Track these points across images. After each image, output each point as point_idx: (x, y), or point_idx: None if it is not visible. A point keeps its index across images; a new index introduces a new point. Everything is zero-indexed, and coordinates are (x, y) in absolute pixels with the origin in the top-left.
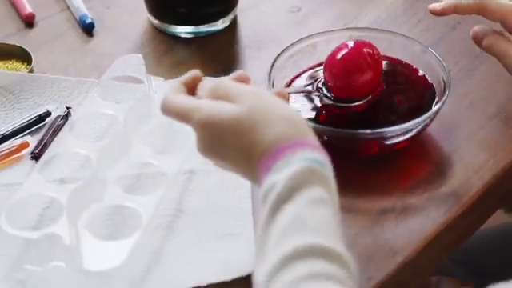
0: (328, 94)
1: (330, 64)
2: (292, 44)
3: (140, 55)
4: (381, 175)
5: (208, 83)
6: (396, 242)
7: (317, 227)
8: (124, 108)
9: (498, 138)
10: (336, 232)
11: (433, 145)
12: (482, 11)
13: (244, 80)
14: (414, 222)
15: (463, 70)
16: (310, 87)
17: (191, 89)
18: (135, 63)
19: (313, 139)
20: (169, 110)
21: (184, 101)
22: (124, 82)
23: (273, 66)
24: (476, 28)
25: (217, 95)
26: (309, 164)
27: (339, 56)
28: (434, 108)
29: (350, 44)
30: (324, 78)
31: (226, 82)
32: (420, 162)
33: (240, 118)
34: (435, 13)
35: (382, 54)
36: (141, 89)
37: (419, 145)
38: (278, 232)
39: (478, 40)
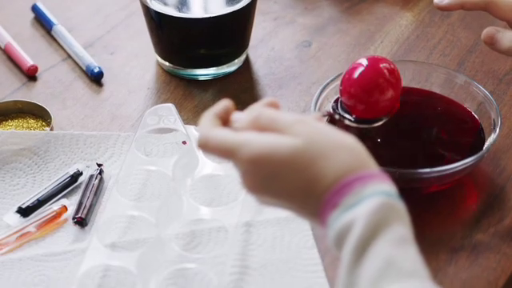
0: (348, 116)
1: (347, 84)
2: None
3: (171, 104)
4: (440, 213)
5: (244, 114)
6: (475, 283)
7: (412, 269)
8: (168, 162)
9: None
10: (426, 270)
11: (484, 177)
12: (489, 8)
13: (275, 107)
14: (489, 259)
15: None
16: (331, 109)
17: (225, 122)
18: (167, 113)
19: (377, 170)
20: (210, 147)
21: (227, 135)
22: (160, 133)
23: (318, 98)
24: (489, 30)
25: (261, 126)
26: (384, 198)
27: (356, 75)
28: (490, 141)
29: (365, 62)
30: (341, 99)
31: (267, 111)
32: (476, 197)
33: (298, 152)
34: (440, 8)
35: (417, 86)
36: (178, 139)
37: (472, 179)
38: (370, 279)
39: (492, 41)
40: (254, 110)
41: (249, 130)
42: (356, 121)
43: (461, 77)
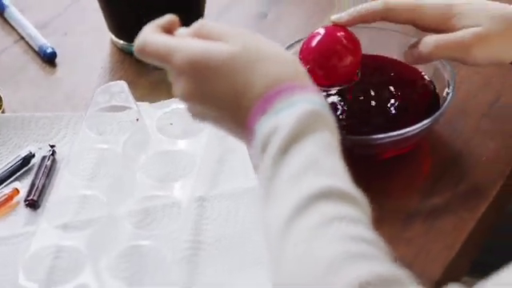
0: None
1: (306, 52)
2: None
3: (122, 82)
4: (395, 179)
5: (187, 29)
6: (431, 247)
7: (333, 171)
8: (118, 140)
9: (502, 124)
10: (349, 179)
11: (441, 141)
12: (388, 15)
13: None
14: (445, 223)
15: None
16: None
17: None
18: (118, 90)
19: (311, 83)
20: (147, 51)
21: (165, 39)
22: (111, 112)
23: None
24: (406, 51)
25: (202, 36)
26: (313, 106)
27: (314, 43)
28: (446, 103)
29: (322, 30)
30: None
31: (210, 23)
32: (432, 162)
33: (233, 57)
34: (340, 24)
35: (373, 52)
36: (129, 116)
37: (427, 143)
38: (290, 173)
39: (415, 54)
40: (198, 23)
41: (189, 38)
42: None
43: (406, 38)
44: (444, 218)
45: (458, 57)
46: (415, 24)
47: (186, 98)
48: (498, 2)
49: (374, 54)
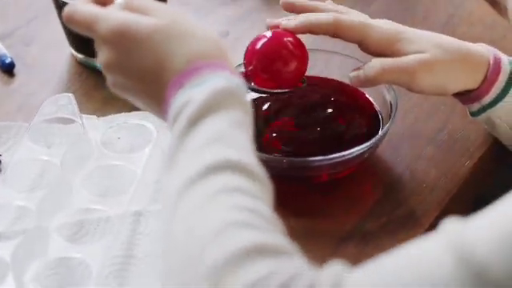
0: (250, 85)
1: (250, 54)
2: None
3: (70, 94)
4: (334, 202)
5: (118, 2)
6: None
7: (239, 147)
8: (59, 152)
9: (446, 152)
10: (255, 158)
11: (383, 166)
12: (338, 32)
13: None
14: (377, 249)
15: None
16: None
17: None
18: (66, 103)
19: (232, 65)
20: (74, 18)
21: (94, 8)
22: (56, 123)
23: None
24: (352, 73)
25: (130, 10)
26: (228, 84)
27: (259, 45)
28: (385, 128)
29: (269, 34)
30: (245, 69)
31: None
32: (372, 185)
33: (158, 30)
34: (288, 30)
35: (319, 75)
36: (74, 129)
37: (370, 167)
38: (196, 145)
39: (360, 79)
40: None
41: (117, 9)
42: (255, 89)
43: (358, 64)
44: (377, 243)
45: (402, 82)
46: (361, 43)
47: (108, 68)
48: (444, 35)
49: (318, 75)
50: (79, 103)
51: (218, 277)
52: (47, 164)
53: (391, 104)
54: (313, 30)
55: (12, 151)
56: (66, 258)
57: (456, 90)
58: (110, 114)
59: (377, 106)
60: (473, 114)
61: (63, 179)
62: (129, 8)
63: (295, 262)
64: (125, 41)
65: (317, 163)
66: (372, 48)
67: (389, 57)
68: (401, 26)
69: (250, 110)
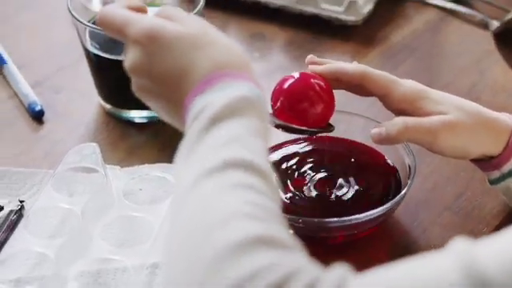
0: (276, 121)
1: (278, 92)
2: None
3: (95, 144)
4: (348, 263)
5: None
6: None
7: (254, 150)
8: (81, 201)
9: (463, 219)
10: (268, 162)
11: (400, 229)
12: (365, 81)
13: None
14: None
15: (423, 150)
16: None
17: None
18: (90, 152)
19: (254, 76)
20: (106, 20)
21: (127, 12)
22: (79, 173)
23: None
24: (373, 130)
25: (162, 17)
26: (248, 93)
27: (286, 85)
28: (402, 193)
29: (297, 74)
30: (272, 107)
31: (172, 8)
32: (388, 249)
33: (184, 37)
34: (315, 73)
35: (341, 136)
36: (97, 179)
37: (386, 230)
38: (215, 142)
39: (382, 137)
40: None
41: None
42: (282, 125)
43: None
44: None
45: (424, 141)
46: (385, 97)
47: (134, 69)
48: (467, 100)
49: (340, 136)
50: (104, 152)
51: (221, 262)
52: (68, 212)
53: (410, 168)
54: (340, 74)
55: (36, 198)
56: None
57: (477, 154)
58: (134, 164)
59: (396, 170)
60: (492, 183)
61: (83, 228)
62: (161, 16)
63: (299, 258)
64: (152, 44)
65: (333, 224)
66: (395, 103)
67: (410, 115)
68: (426, 86)
69: (265, 118)
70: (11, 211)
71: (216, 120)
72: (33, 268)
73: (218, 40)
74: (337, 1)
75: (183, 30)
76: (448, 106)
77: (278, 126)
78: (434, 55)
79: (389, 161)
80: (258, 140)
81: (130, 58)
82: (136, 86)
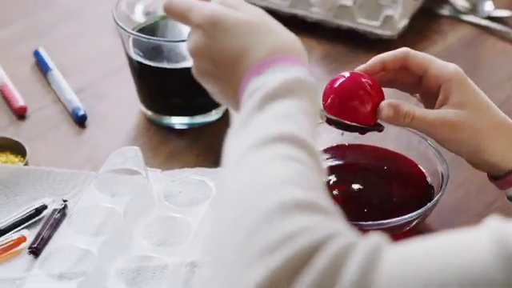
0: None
1: (329, 91)
2: None
3: (137, 147)
4: None
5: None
6: None
7: (304, 128)
8: (123, 201)
9: None
10: (316, 140)
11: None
12: (406, 61)
13: None
14: None
15: (457, 158)
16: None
17: None
18: (132, 155)
19: (307, 64)
20: (171, 7)
21: (189, 0)
22: (122, 174)
23: None
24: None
25: (224, 5)
26: (305, 78)
27: (337, 84)
28: (435, 198)
29: (347, 74)
30: (323, 106)
31: None
32: None
33: (244, 23)
34: (364, 71)
35: (375, 145)
36: (139, 181)
37: (418, 235)
38: (268, 117)
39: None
40: None
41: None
42: (332, 120)
43: (413, 135)
44: None
45: (426, 133)
46: (425, 74)
47: (195, 52)
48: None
49: (374, 144)
50: (145, 157)
51: (264, 222)
52: (111, 211)
53: (443, 176)
54: (384, 59)
55: (78, 198)
56: None
57: (491, 159)
58: (173, 168)
59: (429, 178)
60: (510, 199)
61: (125, 227)
62: (223, 4)
63: (339, 224)
64: (213, 29)
65: (366, 228)
66: (432, 80)
67: (441, 95)
68: (467, 77)
69: (317, 101)
70: (55, 210)
71: (269, 98)
72: (76, 263)
73: (275, 28)
74: (373, 15)
75: (242, 16)
76: (466, 102)
77: (329, 121)
78: (467, 71)
79: (422, 169)
80: (308, 120)
81: (192, 42)
82: (196, 69)
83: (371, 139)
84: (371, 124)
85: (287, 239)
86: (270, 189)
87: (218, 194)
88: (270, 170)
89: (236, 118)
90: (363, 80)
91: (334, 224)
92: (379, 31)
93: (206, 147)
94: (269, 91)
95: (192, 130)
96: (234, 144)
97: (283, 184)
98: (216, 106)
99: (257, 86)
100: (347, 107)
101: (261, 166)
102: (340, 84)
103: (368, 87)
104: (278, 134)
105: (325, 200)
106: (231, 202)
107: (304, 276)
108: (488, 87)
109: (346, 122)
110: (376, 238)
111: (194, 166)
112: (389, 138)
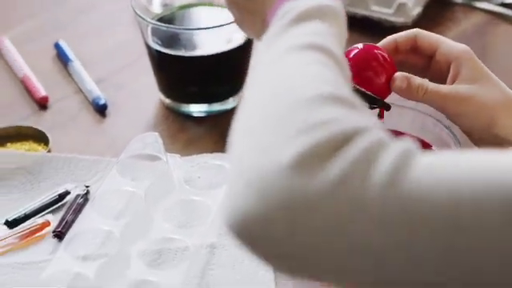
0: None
1: None
2: None
3: (156, 133)
4: None
5: None
6: None
7: (332, 44)
8: (144, 185)
9: None
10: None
11: None
12: (418, 39)
13: None
14: None
15: (469, 143)
16: None
17: None
18: (152, 141)
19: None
20: None
21: None
22: (142, 159)
23: None
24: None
25: None
26: (336, 6)
27: (351, 55)
28: None
29: (360, 45)
30: None
31: None
32: None
33: None
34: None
35: (390, 128)
36: (159, 166)
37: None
38: (299, 32)
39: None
40: None
41: None
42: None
43: (430, 119)
44: None
45: (439, 108)
46: (436, 52)
47: None
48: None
49: (389, 128)
50: (164, 144)
51: (297, 108)
52: (132, 195)
53: None
54: (395, 39)
55: (100, 184)
56: (145, 280)
57: (501, 134)
58: (192, 154)
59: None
60: None
61: (146, 210)
62: None
63: (371, 121)
64: None
65: None
66: (443, 57)
67: (451, 71)
68: (477, 58)
69: (345, 35)
70: (78, 195)
71: (300, 19)
72: (99, 246)
73: None
74: (387, 3)
75: None
76: (476, 77)
77: None
78: (481, 56)
79: (436, 151)
80: (335, 40)
81: None
82: (229, 2)
83: (386, 122)
84: (385, 96)
85: (321, 125)
86: (304, 83)
87: (248, 84)
88: (304, 69)
89: (264, 36)
90: (377, 51)
91: (368, 120)
92: (393, 18)
93: (223, 134)
94: (300, 12)
95: (210, 117)
96: (263, 54)
97: (317, 81)
98: (233, 93)
99: (289, 8)
100: (362, 77)
101: (293, 65)
102: (355, 55)
103: (381, 59)
104: (309, 43)
105: (356, 99)
106: (267, 90)
107: (336, 160)
108: (501, 73)
109: (362, 89)
110: (409, 144)
111: (212, 153)
112: (404, 121)
